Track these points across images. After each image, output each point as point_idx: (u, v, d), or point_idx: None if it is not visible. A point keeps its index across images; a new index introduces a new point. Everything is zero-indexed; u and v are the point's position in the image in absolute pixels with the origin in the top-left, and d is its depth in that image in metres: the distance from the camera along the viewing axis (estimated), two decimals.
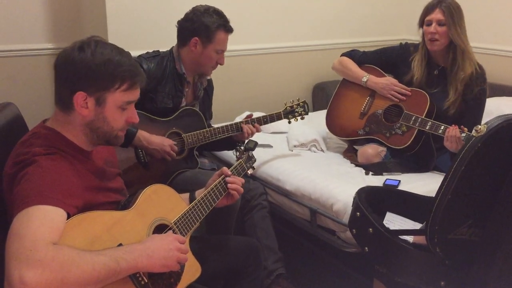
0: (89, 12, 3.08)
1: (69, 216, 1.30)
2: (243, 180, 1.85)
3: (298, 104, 2.65)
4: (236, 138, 2.52)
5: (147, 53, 2.47)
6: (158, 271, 1.40)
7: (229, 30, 2.42)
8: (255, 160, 2.08)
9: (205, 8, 2.41)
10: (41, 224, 1.21)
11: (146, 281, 1.37)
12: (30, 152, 1.35)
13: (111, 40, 2.84)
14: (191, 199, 1.75)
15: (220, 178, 1.79)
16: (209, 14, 2.38)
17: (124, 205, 1.52)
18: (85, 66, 1.38)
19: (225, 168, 1.82)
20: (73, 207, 1.32)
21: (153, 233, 1.49)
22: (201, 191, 1.77)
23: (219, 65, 2.49)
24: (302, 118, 2.68)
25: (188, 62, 2.45)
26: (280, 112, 2.62)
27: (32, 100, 2.94)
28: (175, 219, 1.59)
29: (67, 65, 1.39)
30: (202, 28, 2.36)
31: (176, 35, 2.47)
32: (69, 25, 3.08)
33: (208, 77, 2.61)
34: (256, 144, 2.09)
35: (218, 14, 2.40)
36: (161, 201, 1.58)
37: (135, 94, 1.47)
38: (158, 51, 2.49)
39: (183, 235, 1.58)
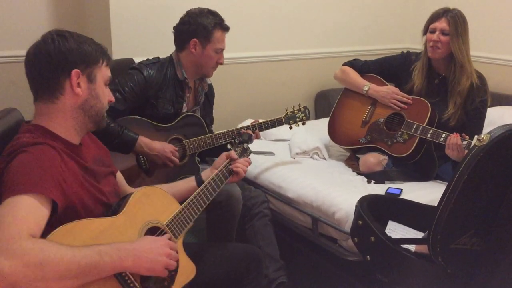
0: (93, 19, 3.10)
1: (55, 206, 1.29)
2: (249, 161, 1.98)
3: (299, 109, 2.64)
4: None
5: (147, 59, 2.48)
6: (144, 274, 1.37)
7: (225, 28, 2.45)
8: (250, 153, 2.08)
9: (199, 10, 2.44)
10: (25, 214, 1.22)
11: (138, 286, 1.35)
12: (18, 143, 1.36)
13: (115, 47, 2.86)
14: (198, 182, 1.85)
15: (226, 162, 1.89)
16: (204, 14, 2.41)
17: (114, 210, 1.49)
18: (72, 47, 1.43)
19: (232, 152, 1.93)
20: (61, 195, 1.32)
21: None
22: (207, 172, 1.89)
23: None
24: (304, 124, 2.66)
25: (189, 65, 2.46)
26: (281, 117, 2.61)
27: None
28: (167, 220, 1.57)
29: (54, 52, 1.41)
30: (200, 29, 2.39)
31: (174, 41, 2.48)
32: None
33: (209, 81, 2.61)
34: (250, 136, 2.12)
35: (213, 14, 2.44)
36: (152, 203, 1.55)
37: (109, 70, 1.55)
38: (158, 57, 2.50)
39: (176, 236, 1.57)
